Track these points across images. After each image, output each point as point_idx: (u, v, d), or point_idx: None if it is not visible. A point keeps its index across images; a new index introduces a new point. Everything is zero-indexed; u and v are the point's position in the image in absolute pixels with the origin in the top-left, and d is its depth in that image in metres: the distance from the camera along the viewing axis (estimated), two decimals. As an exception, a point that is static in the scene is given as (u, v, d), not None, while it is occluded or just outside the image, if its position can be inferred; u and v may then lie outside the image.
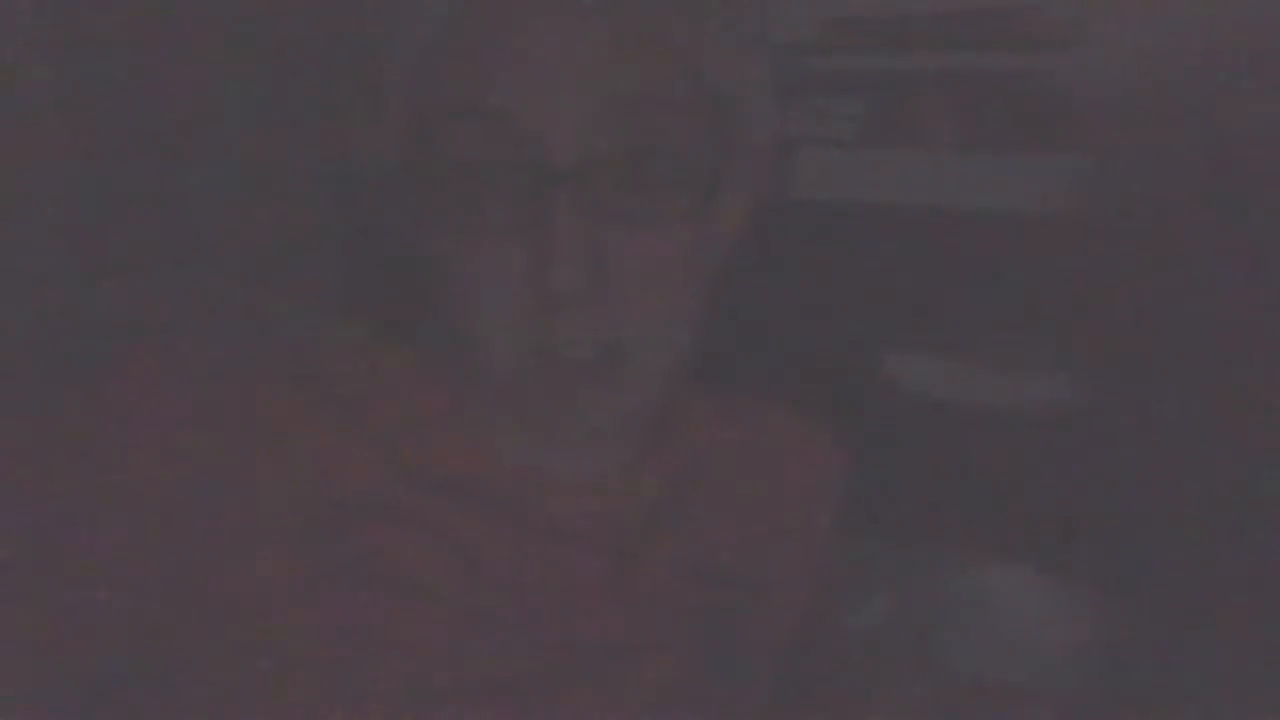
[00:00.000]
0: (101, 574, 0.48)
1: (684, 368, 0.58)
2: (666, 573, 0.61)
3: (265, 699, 0.49)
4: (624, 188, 0.51)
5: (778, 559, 0.68)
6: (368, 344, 0.62)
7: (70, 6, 0.80)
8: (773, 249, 1.08)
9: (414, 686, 0.51)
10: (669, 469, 0.63)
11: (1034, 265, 1.02)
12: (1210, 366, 0.89)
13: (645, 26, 0.51)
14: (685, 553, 0.62)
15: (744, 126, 0.57)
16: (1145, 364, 0.95)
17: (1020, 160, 1.00)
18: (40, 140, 0.89)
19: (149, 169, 0.86)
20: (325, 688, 0.50)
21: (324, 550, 0.52)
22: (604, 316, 0.51)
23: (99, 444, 0.49)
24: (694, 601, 0.61)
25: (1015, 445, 1.01)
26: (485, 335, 0.53)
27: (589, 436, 0.56)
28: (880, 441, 0.93)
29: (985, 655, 0.84)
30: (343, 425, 0.55)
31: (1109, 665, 0.81)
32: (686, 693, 0.58)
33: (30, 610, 0.48)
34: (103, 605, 0.48)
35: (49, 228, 0.89)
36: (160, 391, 0.52)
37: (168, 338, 0.55)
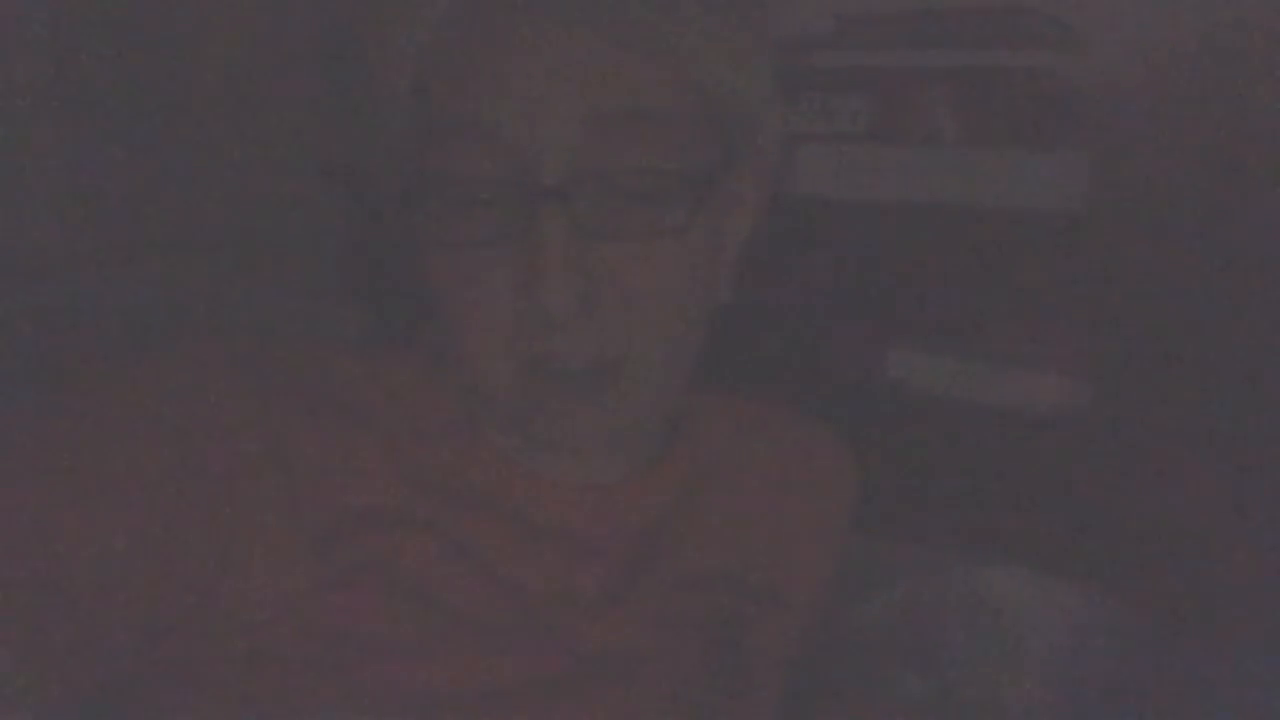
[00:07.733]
0: (108, 580, 0.48)
1: (686, 378, 0.57)
2: (673, 580, 0.60)
3: (268, 704, 0.49)
4: (615, 203, 0.51)
5: (788, 567, 0.67)
6: (372, 350, 0.62)
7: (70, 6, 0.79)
8: (778, 247, 1.08)
9: (415, 692, 0.51)
10: (676, 475, 0.63)
11: (1040, 262, 1.01)
12: (1216, 366, 0.89)
13: (642, 39, 0.50)
14: (693, 560, 0.62)
15: (748, 133, 0.56)
16: (1151, 363, 0.94)
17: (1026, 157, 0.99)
18: (37, 132, 0.88)
19: (151, 180, 0.86)
20: (327, 693, 0.50)
21: (327, 556, 0.52)
22: (599, 332, 0.51)
23: (103, 449, 0.49)
24: (701, 610, 0.61)
25: (1021, 444, 1.00)
26: (482, 350, 0.53)
27: (589, 447, 0.55)
28: (886, 440, 0.93)
29: (985, 657, 0.84)
30: (346, 431, 0.55)
31: (1115, 670, 0.81)
32: (692, 702, 0.58)
33: (34, 613, 0.47)
34: (109, 611, 0.48)
35: (46, 218, 0.89)
36: (165, 397, 0.51)
37: (172, 343, 0.55)
